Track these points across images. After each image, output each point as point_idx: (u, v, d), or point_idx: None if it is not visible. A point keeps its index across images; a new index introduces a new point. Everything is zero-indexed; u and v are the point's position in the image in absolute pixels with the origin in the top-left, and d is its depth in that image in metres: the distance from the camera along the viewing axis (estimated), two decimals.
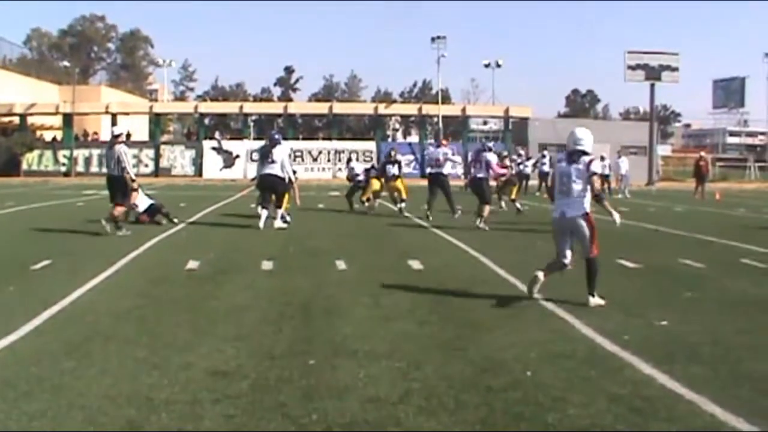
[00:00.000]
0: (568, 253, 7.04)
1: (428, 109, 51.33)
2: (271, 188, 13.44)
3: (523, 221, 15.82)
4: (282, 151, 13.39)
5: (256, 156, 13.59)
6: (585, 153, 6.91)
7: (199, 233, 12.73)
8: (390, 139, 69.98)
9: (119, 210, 12.13)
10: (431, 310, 6.49)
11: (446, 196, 15.64)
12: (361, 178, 18.26)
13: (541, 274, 7.01)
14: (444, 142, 16.93)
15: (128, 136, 48.47)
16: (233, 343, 5.27)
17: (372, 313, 6.37)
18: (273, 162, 13.25)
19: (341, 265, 9.02)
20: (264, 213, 13.35)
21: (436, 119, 52.26)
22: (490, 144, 15.99)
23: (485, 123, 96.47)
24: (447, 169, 15.74)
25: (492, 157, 14.61)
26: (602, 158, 28.71)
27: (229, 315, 6.20)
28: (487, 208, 13.97)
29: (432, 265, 9.11)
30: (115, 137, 12.42)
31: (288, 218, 13.67)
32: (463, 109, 51.67)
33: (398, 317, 6.18)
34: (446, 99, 72.73)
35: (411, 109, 57.10)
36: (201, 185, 35.13)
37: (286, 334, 5.56)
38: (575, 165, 6.89)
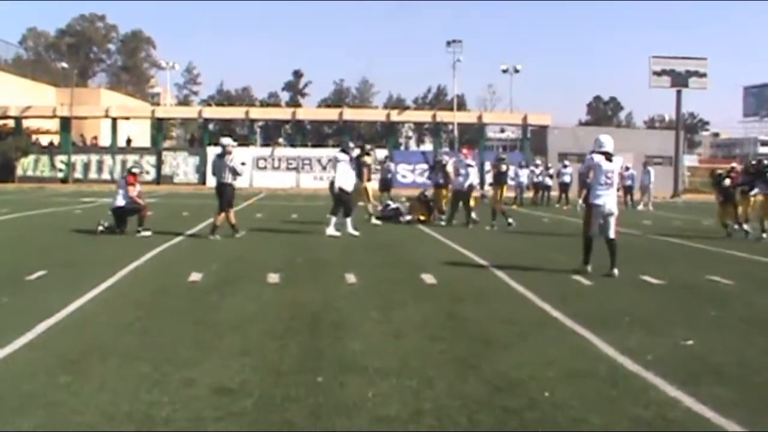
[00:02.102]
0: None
1: (443, 116, 51.47)
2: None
3: (542, 232, 15.80)
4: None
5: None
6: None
7: (203, 244, 12.81)
8: (402, 147, 70.25)
9: (222, 217, 13.60)
10: (444, 325, 6.51)
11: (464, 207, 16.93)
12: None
13: (589, 267, 9.65)
14: (465, 152, 17.54)
15: (128, 141, 49.27)
16: (238, 358, 5.31)
17: (382, 328, 6.39)
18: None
19: (351, 277, 9.05)
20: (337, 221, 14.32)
21: (451, 127, 52.39)
22: (503, 155, 16.87)
23: (502, 131, 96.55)
24: (465, 181, 16.83)
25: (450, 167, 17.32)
26: (627, 168, 28.76)
27: (233, 329, 6.23)
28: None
29: (445, 278, 9.15)
30: (224, 147, 13.79)
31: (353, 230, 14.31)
32: (480, 117, 51.71)
33: (409, 333, 6.20)
34: (462, 106, 72.81)
35: (425, 116, 57.06)
36: (205, 194, 35.15)
37: (293, 350, 5.59)
38: (614, 163, 9.63)
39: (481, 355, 5.49)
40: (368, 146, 18.71)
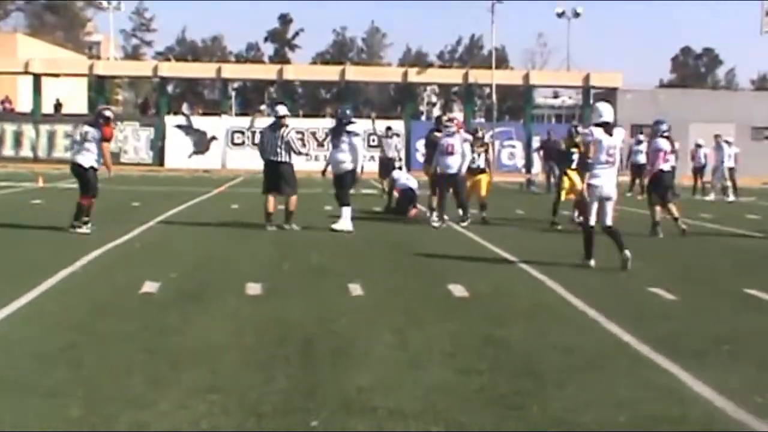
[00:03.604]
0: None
1: (477, 75, 51.35)
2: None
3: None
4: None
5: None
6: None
7: (160, 244, 12.82)
8: (424, 117, 70.18)
9: (294, 201, 14.69)
10: (478, 353, 6.47)
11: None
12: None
13: (592, 262, 10.74)
14: (456, 121, 17.05)
15: (57, 107, 49.09)
16: (205, 395, 5.27)
17: (397, 356, 6.36)
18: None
19: (356, 289, 9.04)
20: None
21: (487, 90, 52.28)
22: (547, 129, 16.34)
23: (556, 95, 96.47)
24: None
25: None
26: (698, 146, 28.78)
27: (200, 357, 6.20)
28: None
29: (479, 290, 9.13)
30: (280, 118, 14.83)
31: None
32: (526, 76, 51.55)
33: (433, 362, 6.16)
34: (502, 62, 72.78)
35: (453, 75, 56.96)
36: (162, 177, 35.46)
37: (280, 384, 5.55)
38: (615, 137, 10.60)
39: (528, 394, 5.45)
40: (373, 114, 18.73)
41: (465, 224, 15.83)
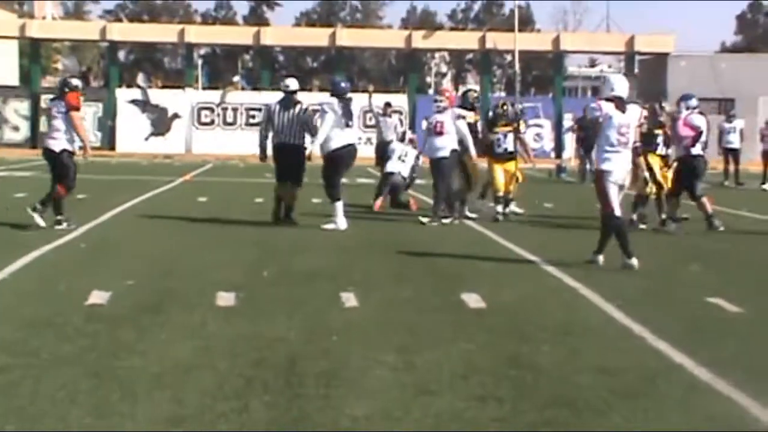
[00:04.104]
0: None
1: (496, 39, 51.32)
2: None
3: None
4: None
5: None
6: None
7: (111, 245, 12.84)
8: (431, 90, 70.20)
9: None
10: (498, 376, 6.48)
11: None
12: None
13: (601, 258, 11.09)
14: (448, 95, 16.95)
15: None
16: (167, 428, 5.29)
17: (400, 379, 6.36)
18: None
19: (349, 299, 9.07)
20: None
21: (508, 58, 52.19)
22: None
23: (593, 64, 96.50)
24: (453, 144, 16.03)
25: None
26: (729, 118, 28.78)
27: (159, 382, 6.20)
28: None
29: (499, 300, 9.17)
30: (292, 93, 15.25)
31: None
32: (556, 40, 51.50)
33: (443, 388, 6.17)
34: (527, 23, 72.80)
35: (468, 40, 56.79)
36: (114, 164, 35.34)
37: (257, 415, 5.56)
38: (628, 115, 10.87)
39: (560, 424, 5.47)
40: (370, 87, 18.75)
41: (447, 222, 15.70)
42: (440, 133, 15.69)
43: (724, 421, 5.67)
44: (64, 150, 13.74)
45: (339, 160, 14.82)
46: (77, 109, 13.86)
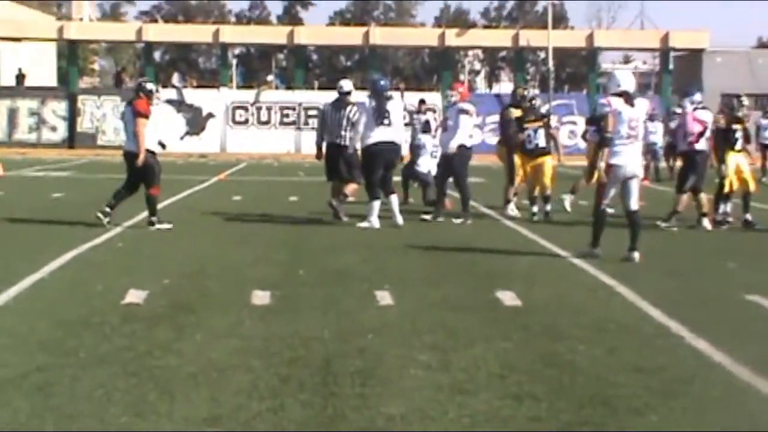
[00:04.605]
0: None
1: (530, 37, 51.10)
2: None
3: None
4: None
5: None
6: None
7: (147, 244, 12.89)
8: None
9: (353, 188, 15.56)
10: (534, 375, 6.46)
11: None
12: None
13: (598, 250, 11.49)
14: (461, 91, 16.77)
15: (20, 77, 49.29)
16: (203, 428, 5.30)
17: (436, 378, 6.34)
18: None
19: (384, 297, 9.08)
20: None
21: (542, 55, 51.93)
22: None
23: (627, 60, 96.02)
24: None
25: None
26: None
27: (195, 382, 6.21)
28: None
29: (535, 298, 9.18)
30: (345, 94, 15.62)
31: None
32: (590, 37, 51.24)
33: (479, 387, 6.16)
34: (560, 20, 72.44)
35: (501, 38, 56.60)
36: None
37: (293, 414, 5.56)
38: (637, 108, 11.24)
39: (598, 424, 5.43)
40: (401, 85, 18.85)
41: (429, 219, 15.81)
42: (445, 129, 16.01)
43: (764, 422, 5.64)
44: (146, 151, 14.07)
45: (372, 158, 14.84)
46: (144, 116, 14.04)
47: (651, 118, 27.31)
